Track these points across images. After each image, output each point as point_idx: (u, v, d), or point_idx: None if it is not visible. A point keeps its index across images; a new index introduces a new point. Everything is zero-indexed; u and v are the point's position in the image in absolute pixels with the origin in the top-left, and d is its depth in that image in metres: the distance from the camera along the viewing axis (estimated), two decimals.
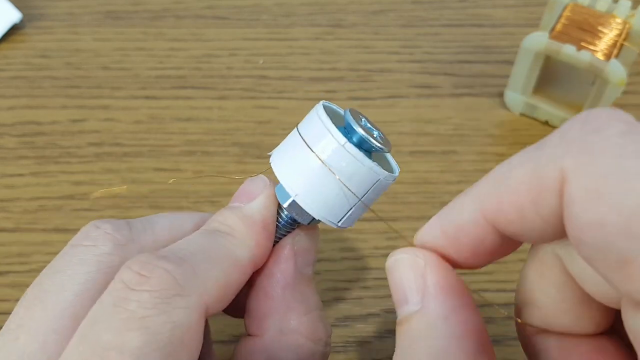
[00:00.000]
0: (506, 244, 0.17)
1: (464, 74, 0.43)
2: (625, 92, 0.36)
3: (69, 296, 0.18)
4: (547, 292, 0.18)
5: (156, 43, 0.44)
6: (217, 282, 0.19)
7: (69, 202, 0.35)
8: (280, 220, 0.22)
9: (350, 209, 0.21)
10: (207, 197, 0.35)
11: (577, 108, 0.38)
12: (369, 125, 0.21)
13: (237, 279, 0.20)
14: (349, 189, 0.20)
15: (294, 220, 0.22)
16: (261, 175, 0.23)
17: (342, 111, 0.22)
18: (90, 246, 0.19)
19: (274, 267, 0.22)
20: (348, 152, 0.20)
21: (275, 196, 0.22)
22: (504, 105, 0.40)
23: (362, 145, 0.20)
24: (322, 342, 0.21)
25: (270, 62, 0.43)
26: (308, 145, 0.20)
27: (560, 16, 0.36)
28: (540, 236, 0.16)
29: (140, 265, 0.18)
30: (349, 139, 0.20)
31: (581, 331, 0.18)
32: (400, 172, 0.22)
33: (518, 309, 0.19)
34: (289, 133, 0.22)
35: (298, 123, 0.22)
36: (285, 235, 0.23)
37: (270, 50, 0.44)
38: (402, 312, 0.17)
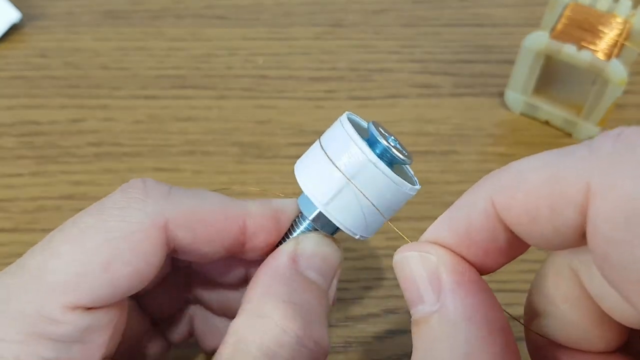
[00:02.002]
0: (518, 244, 0.17)
1: (464, 74, 0.42)
2: (625, 92, 0.35)
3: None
4: (560, 306, 0.17)
5: (156, 43, 0.44)
6: (189, 208, 0.21)
7: (68, 202, 0.35)
8: (298, 226, 0.23)
9: (372, 220, 0.21)
10: None
11: (577, 108, 0.38)
12: (390, 137, 0.21)
13: (218, 222, 0.21)
14: (372, 202, 0.20)
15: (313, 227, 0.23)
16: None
17: (364, 123, 0.22)
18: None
19: (269, 257, 0.22)
20: (376, 166, 0.20)
21: (297, 204, 0.23)
22: (504, 105, 0.40)
23: (385, 157, 0.20)
24: (295, 336, 0.20)
25: (270, 62, 0.43)
26: (330, 158, 0.21)
27: (560, 16, 0.36)
28: (545, 243, 0.15)
29: (135, 180, 0.21)
30: (373, 151, 0.20)
31: (591, 348, 0.17)
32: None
33: (528, 317, 0.19)
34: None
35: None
36: None
37: (270, 50, 0.44)
38: (417, 311, 0.17)
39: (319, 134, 0.23)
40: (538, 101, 0.39)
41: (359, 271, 0.32)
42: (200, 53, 0.44)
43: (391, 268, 0.31)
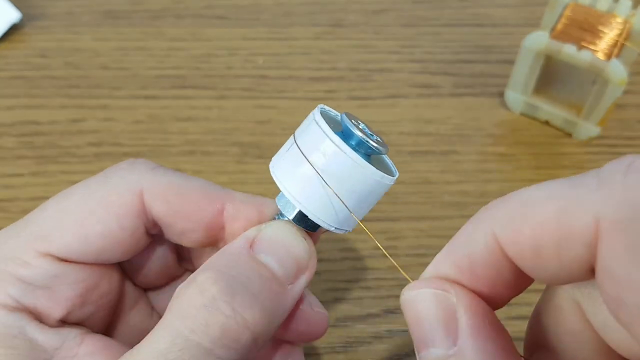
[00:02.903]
0: (525, 276, 0.16)
1: (464, 74, 0.42)
2: (625, 92, 0.35)
3: None
4: (561, 339, 0.16)
5: (156, 43, 0.44)
6: (168, 181, 0.22)
7: None
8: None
9: (349, 211, 0.21)
10: None
11: (577, 108, 0.38)
12: (366, 128, 0.21)
13: (196, 198, 0.22)
14: (345, 193, 0.20)
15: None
16: None
17: (338, 115, 0.22)
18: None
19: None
20: (349, 156, 0.20)
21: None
22: (504, 105, 0.40)
23: (361, 148, 0.20)
24: (211, 298, 0.19)
25: (270, 62, 0.43)
26: (304, 152, 0.20)
27: (560, 16, 0.36)
28: (551, 278, 0.15)
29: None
30: (347, 143, 0.20)
31: None
32: (400, 172, 0.22)
33: (529, 351, 0.18)
34: (289, 133, 0.22)
35: (297, 125, 0.22)
36: None
37: (270, 50, 0.44)
38: (427, 355, 0.16)
39: None
40: (538, 101, 0.39)
41: (359, 271, 0.32)
42: (200, 53, 0.44)
43: (391, 268, 0.31)
